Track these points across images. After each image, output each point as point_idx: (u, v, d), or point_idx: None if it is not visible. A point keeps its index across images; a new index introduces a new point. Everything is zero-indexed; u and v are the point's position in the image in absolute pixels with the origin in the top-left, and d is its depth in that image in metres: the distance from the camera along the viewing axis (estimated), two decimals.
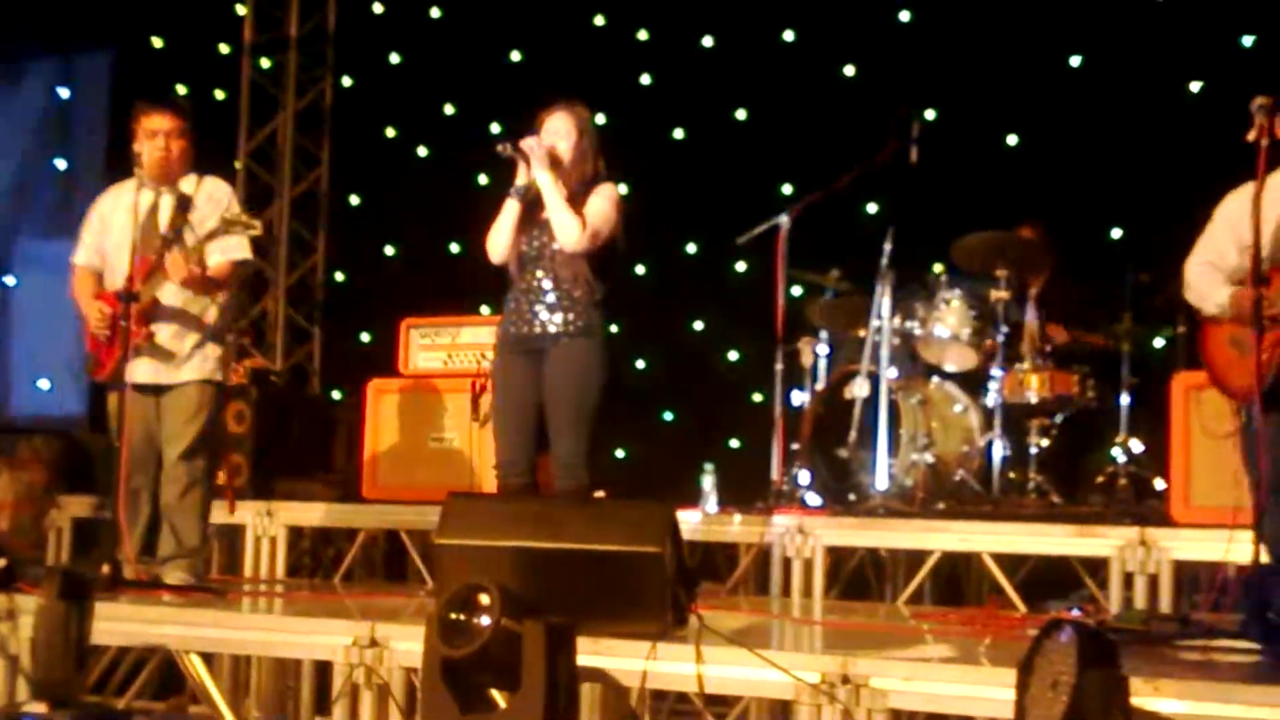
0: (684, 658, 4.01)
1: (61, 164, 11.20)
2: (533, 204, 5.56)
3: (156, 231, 5.75)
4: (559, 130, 5.60)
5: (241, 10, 10.85)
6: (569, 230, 5.44)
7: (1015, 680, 3.40)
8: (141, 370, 5.72)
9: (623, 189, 5.71)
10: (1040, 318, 7.08)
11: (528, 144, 5.51)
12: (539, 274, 5.54)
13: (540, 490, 5.62)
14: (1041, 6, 8.39)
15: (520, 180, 5.57)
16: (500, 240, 5.59)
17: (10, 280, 11.13)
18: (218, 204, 5.85)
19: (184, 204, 5.80)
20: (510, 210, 5.58)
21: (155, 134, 5.79)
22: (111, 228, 5.90)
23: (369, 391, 7.66)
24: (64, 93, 11.40)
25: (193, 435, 5.77)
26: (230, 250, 5.76)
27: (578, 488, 5.41)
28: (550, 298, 5.51)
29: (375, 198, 10.54)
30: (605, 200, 5.54)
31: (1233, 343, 4.86)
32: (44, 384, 10.08)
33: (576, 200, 5.51)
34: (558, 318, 5.49)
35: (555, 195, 5.46)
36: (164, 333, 5.77)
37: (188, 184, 5.88)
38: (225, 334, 6.01)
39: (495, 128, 8.94)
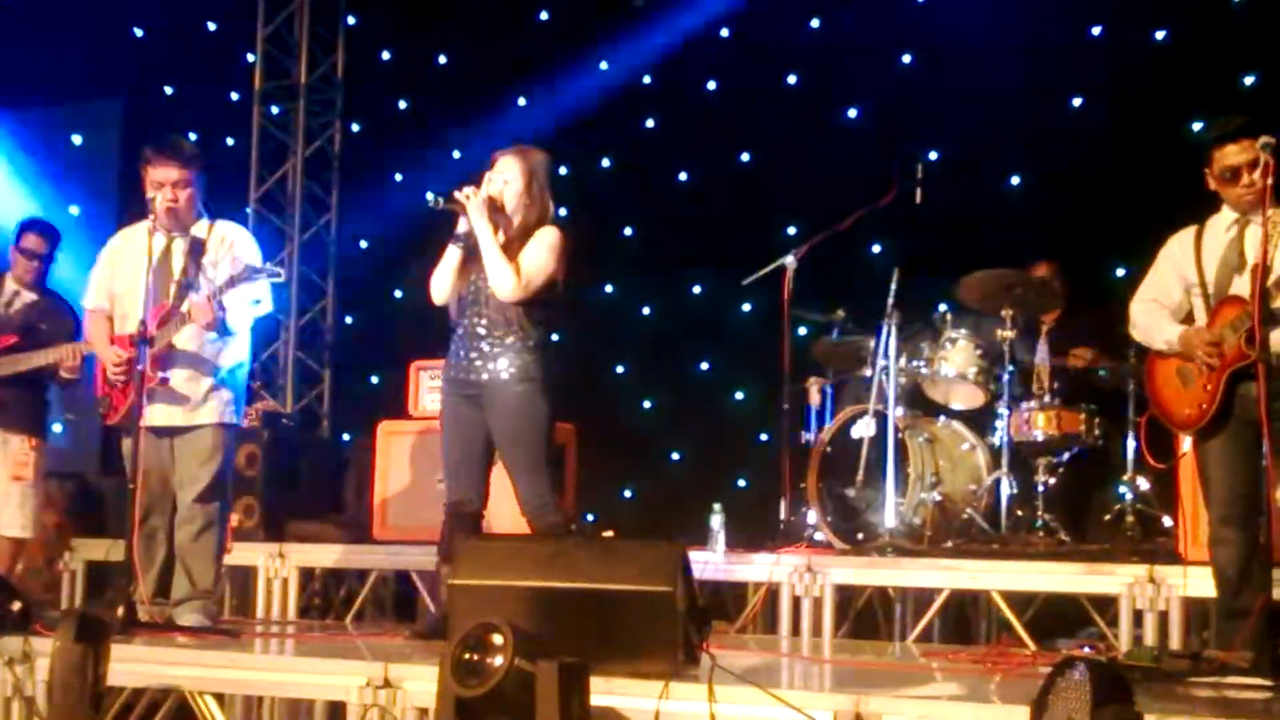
0: (697, 696, 4.02)
1: (75, 210, 11.25)
2: (474, 248, 5.55)
3: (170, 277, 5.78)
4: (506, 173, 5.59)
5: (251, 58, 10.95)
6: (503, 281, 5.44)
7: (1029, 718, 3.41)
8: (157, 414, 5.75)
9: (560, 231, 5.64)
10: (1051, 355, 7.12)
11: (463, 194, 5.49)
12: (475, 319, 5.55)
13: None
14: (1042, 47, 8.46)
15: (461, 228, 5.56)
16: (441, 284, 5.61)
17: None
18: (231, 248, 5.88)
19: (196, 249, 5.83)
20: (451, 256, 5.57)
21: (162, 184, 5.78)
22: (122, 271, 5.93)
23: (379, 433, 7.70)
24: (77, 139, 11.46)
25: (208, 479, 5.80)
26: (249, 294, 5.79)
27: (558, 524, 5.44)
28: (485, 344, 5.51)
29: (383, 241, 10.61)
30: (542, 247, 5.52)
31: (1178, 374, 5.11)
32: (57, 428, 10.12)
33: (515, 246, 5.50)
34: (491, 364, 5.50)
35: (491, 246, 5.45)
36: (178, 377, 5.79)
37: (200, 228, 5.91)
38: (238, 375, 6.05)
39: None
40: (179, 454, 5.84)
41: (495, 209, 5.53)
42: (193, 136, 10.11)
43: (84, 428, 10.33)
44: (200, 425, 5.82)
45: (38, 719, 4.80)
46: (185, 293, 5.71)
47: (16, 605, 5.26)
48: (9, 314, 6.98)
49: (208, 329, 5.71)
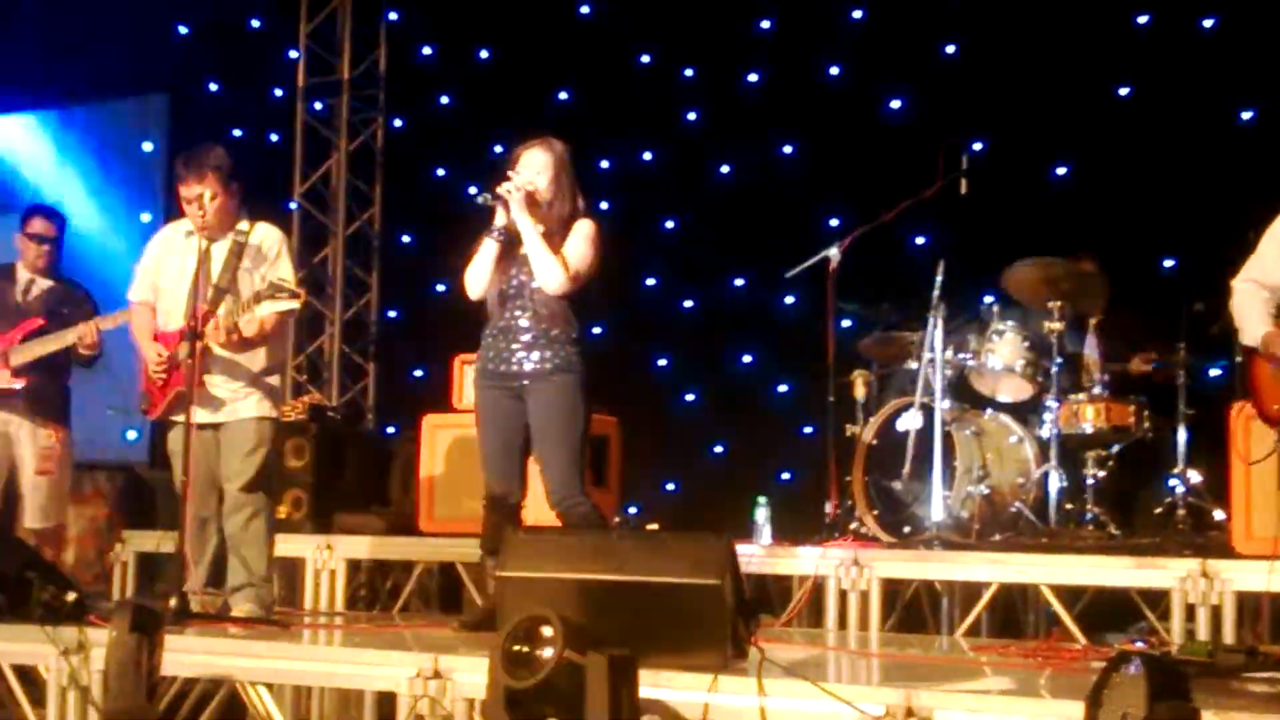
0: (746, 690, 4.00)
1: (146, 218, 11.29)
2: (511, 241, 5.54)
3: (208, 280, 5.80)
4: (535, 165, 5.57)
5: (294, 54, 10.99)
6: (553, 276, 5.44)
7: (1083, 713, 3.38)
8: (200, 413, 5.79)
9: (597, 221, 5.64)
10: (1100, 349, 7.07)
11: (505, 189, 5.48)
12: (517, 313, 5.52)
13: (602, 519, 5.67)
14: (1088, 36, 8.41)
15: (499, 221, 5.54)
16: (478, 278, 5.59)
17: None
18: (268, 254, 5.90)
19: (236, 253, 5.85)
20: (488, 249, 5.56)
21: (190, 200, 5.80)
22: (165, 268, 5.97)
23: (424, 426, 7.72)
24: (148, 146, 11.49)
25: (253, 471, 5.85)
26: (277, 304, 5.81)
27: (588, 515, 5.45)
28: (527, 336, 5.50)
29: (426, 236, 10.63)
30: (584, 240, 5.52)
31: (1275, 369, 4.96)
32: (132, 434, 10.22)
33: (554, 239, 5.49)
34: (534, 355, 5.49)
35: (537, 241, 5.45)
36: (214, 381, 5.84)
37: (240, 232, 5.92)
38: (276, 374, 6.07)
39: None
40: (223, 448, 5.88)
41: (533, 203, 5.53)
42: (237, 133, 10.26)
43: (117, 422, 10.44)
44: (241, 419, 5.87)
45: (93, 708, 4.84)
46: (222, 297, 5.73)
47: (71, 596, 5.31)
48: (29, 302, 6.90)
49: (224, 347, 5.75)
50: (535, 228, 5.47)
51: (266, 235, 5.97)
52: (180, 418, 5.72)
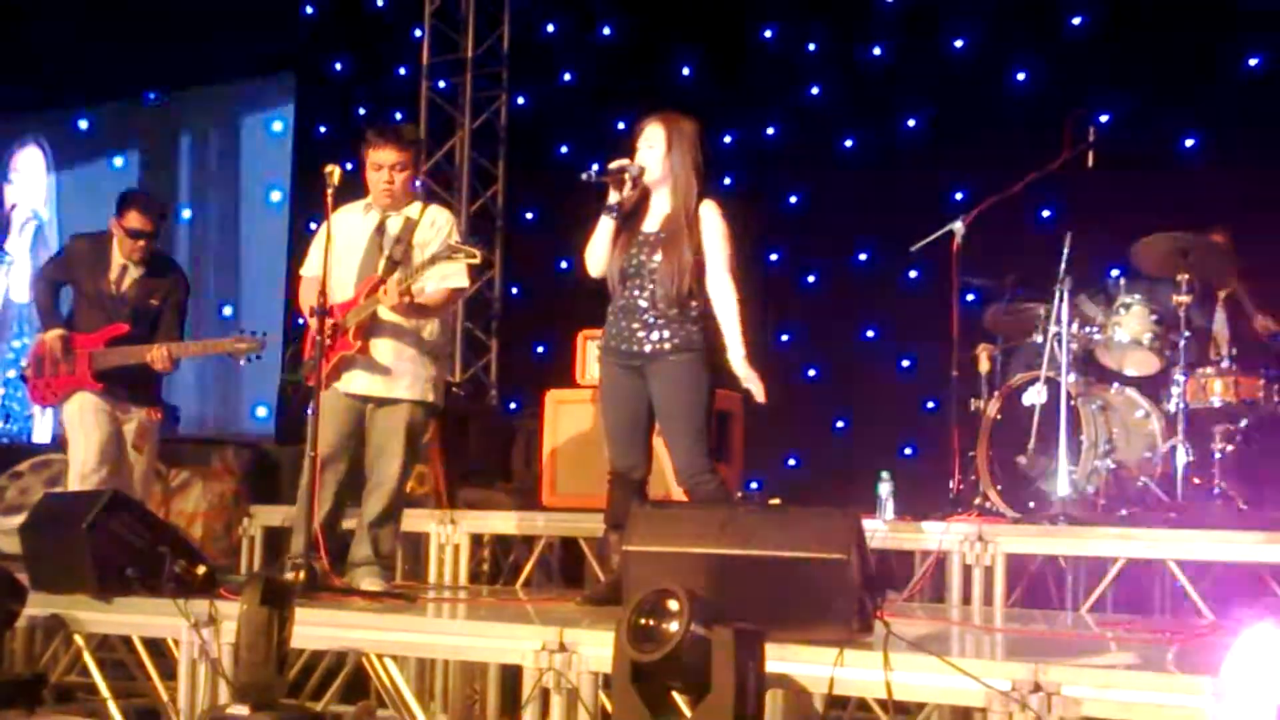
0: (871, 664, 3.99)
1: (276, 196, 11.51)
2: (629, 219, 5.54)
3: (381, 252, 5.93)
4: (650, 140, 5.53)
5: (418, 33, 11.10)
6: (729, 299, 5.48)
7: (1212, 688, 3.35)
8: (357, 381, 5.90)
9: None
10: (1229, 322, 6.95)
11: (617, 165, 5.47)
12: (636, 292, 5.51)
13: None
14: (1217, 5, 8.24)
15: (611, 199, 5.51)
16: (597, 256, 5.58)
17: (228, 311, 11.45)
18: (439, 231, 6.00)
19: (409, 229, 5.96)
20: (605, 227, 5.53)
21: (381, 166, 5.93)
22: (337, 244, 6.07)
23: (547, 402, 7.77)
24: (278, 126, 11.70)
25: (402, 453, 5.93)
26: (450, 278, 5.90)
27: (715, 492, 5.43)
28: (647, 316, 5.48)
29: (549, 213, 10.70)
30: (720, 235, 5.50)
31: None
32: (262, 411, 10.42)
33: (682, 233, 5.44)
34: (654, 335, 5.47)
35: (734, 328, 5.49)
36: (380, 347, 5.93)
37: (413, 210, 6.04)
38: (440, 353, 6.15)
39: None
40: (376, 424, 5.96)
41: (638, 186, 5.51)
42: (361, 111, 10.40)
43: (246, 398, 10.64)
44: (401, 400, 5.95)
45: (224, 680, 4.94)
46: (394, 268, 5.84)
47: (201, 570, 5.42)
48: (121, 294, 6.87)
49: (394, 310, 5.83)
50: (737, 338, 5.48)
51: (439, 214, 6.11)
52: (338, 384, 5.88)
